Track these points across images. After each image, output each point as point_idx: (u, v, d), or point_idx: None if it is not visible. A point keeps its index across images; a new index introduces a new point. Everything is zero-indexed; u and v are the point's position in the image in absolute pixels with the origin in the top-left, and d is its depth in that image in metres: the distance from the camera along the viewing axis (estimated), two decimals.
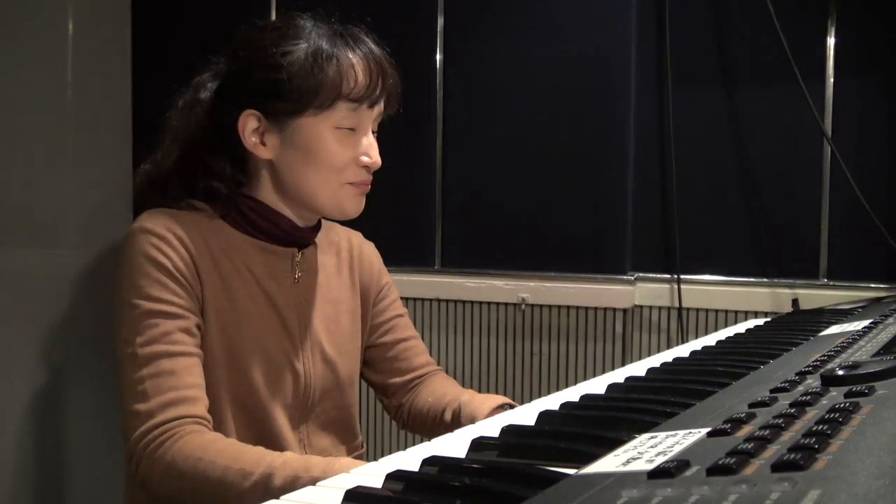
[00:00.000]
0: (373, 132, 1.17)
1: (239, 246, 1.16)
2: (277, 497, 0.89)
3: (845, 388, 0.61)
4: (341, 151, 1.13)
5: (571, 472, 0.53)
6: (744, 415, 0.58)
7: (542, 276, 2.23)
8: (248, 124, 1.13)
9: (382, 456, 0.73)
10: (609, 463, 0.52)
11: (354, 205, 1.17)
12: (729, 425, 0.55)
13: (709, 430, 0.55)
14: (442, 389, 1.29)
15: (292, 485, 0.91)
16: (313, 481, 0.89)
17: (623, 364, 2.11)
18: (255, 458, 0.95)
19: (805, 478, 0.40)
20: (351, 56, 1.12)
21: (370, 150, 1.15)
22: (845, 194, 2.00)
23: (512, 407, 1.22)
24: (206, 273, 1.11)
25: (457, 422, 1.20)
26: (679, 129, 2.14)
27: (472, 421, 1.17)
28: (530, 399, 1.35)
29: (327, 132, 1.12)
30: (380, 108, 1.16)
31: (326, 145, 1.12)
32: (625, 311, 2.19)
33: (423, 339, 1.39)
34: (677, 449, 0.52)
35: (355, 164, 1.14)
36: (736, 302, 2.11)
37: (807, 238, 2.07)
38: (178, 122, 1.19)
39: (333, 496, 0.60)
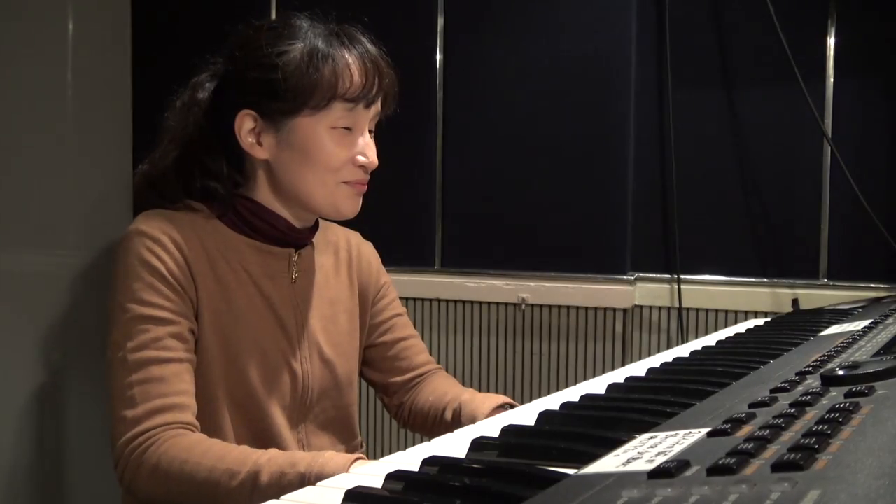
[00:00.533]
0: (370, 132, 1.17)
1: (236, 246, 1.15)
2: (265, 493, 0.90)
3: (845, 388, 0.61)
4: (337, 151, 1.12)
5: (571, 472, 0.53)
6: (744, 415, 0.58)
7: (542, 276, 2.23)
8: (245, 124, 1.13)
9: (382, 456, 0.73)
10: (609, 463, 0.52)
11: (351, 205, 1.17)
12: (729, 425, 0.55)
13: (709, 430, 0.55)
14: (443, 388, 1.29)
15: (279, 480, 0.91)
16: (299, 476, 0.90)
17: (623, 364, 2.11)
18: (240, 457, 0.95)
19: (805, 478, 0.40)
20: (347, 56, 1.12)
21: (367, 150, 1.15)
22: (845, 194, 2.00)
23: (512, 406, 1.22)
24: (201, 275, 1.10)
25: (457, 421, 1.20)
26: (679, 129, 2.14)
27: (473, 420, 1.17)
28: (530, 399, 1.35)
29: (323, 132, 1.12)
30: (376, 107, 1.16)
31: (323, 145, 1.12)
32: (625, 311, 2.19)
33: (423, 339, 1.39)
34: (677, 449, 0.52)
35: (352, 164, 1.14)
36: (736, 302, 2.11)
37: (807, 238, 2.07)
38: (175, 123, 1.19)
39: (333, 496, 0.60)
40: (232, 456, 0.96)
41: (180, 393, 1.04)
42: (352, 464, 0.90)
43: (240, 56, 1.14)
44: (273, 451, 0.96)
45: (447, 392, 1.27)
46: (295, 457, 0.94)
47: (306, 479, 0.90)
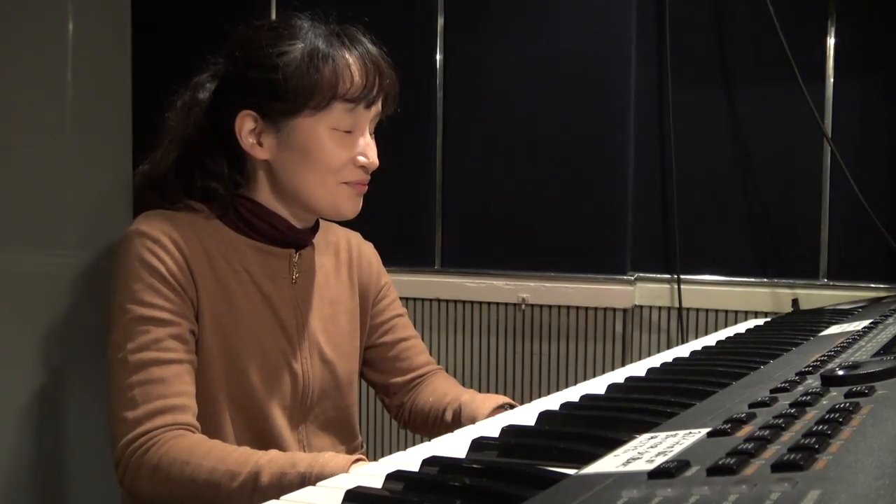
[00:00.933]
0: (371, 132, 1.17)
1: (236, 247, 1.15)
2: (265, 494, 0.90)
3: (845, 388, 0.61)
4: (338, 152, 1.12)
5: (571, 472, 0.53)
6: (744, 415, 0.58)
7: (542, 276, 2.23)
8: (245, 125, 1.13)
9: (382, 456, 0.73)
10: (609, 463, 0.52)
11: (351, 205, 1.17)
12: (729, 425, 0.55)
13: (709, 430, 0.55)
14: (443, 389, 1.29)
15: (279, 481, 0.91)
16: (300, 476, 0.91)
17: (623, 364, 2.11)
18: (241, 459, 0.95)
19: (805, 478, 0.40)
20: (347, 56, 1.12)
21: (367, 151, 1.14)
22: (845, 194, 2.00)
23: (512, 407, 1.22)
24: (201, 276, 1.10)
25: (457, 422, 1.20)
26: (679, 129, 2.14)
27: (473, 421, 1.17)
28: (530, 399, 1.35)
29: (324, 132, 1.11)
30: (377, 108, 1.16)
31: (323, 146, 1.12)
32: (625, 311, 2.19)
33: (423, 339, 1.39)
34: (677, 449, 0.52)
35: (352, 165, 1.13)
36: (736, 302, 2.11)
37: (807, 238, 2.07)
38: (176, 123, 1.18)
39: (333, 496, 0.60)
40: (233, 457, 0.96)
41: (181, 394, 1.04)
42: (352, 465, 0.90)
43: (240, 56, 1.14)
44: (273, 452, 0.97)
45: (447, 393, 1.27)
46: (295, 457, 0.94)
47: (306, 480, 0.90)
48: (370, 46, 1.15)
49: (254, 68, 1.11)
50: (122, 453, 1.01)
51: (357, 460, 0.91)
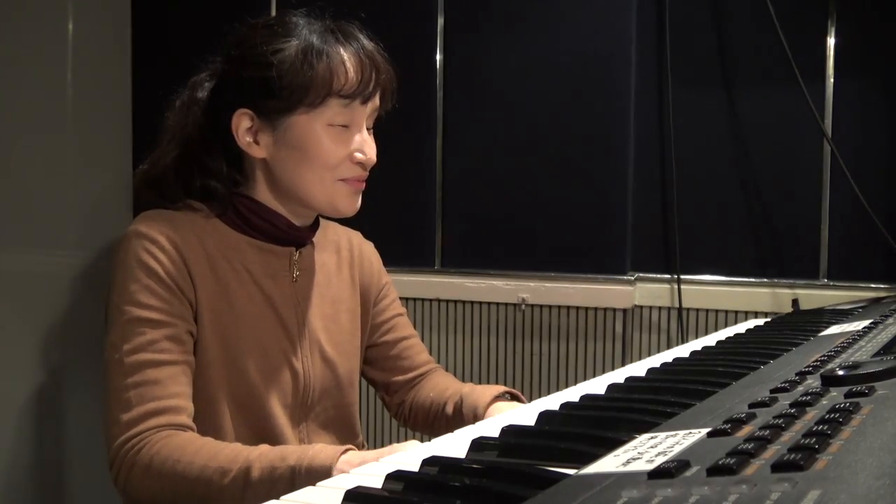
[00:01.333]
0: (369, 129, 1.17)
1: (236, 246, 1.15)
2: (256, 489, 0.91)
3: (845, 389, 0.61)
4: (335, 149, 1.12)
5: (571, 472, 0.53)
6: (744, 415, 0.58)
7: (542, 276, 2.23)
8: (242, 123, 1.13)
9: None
10: (609, 463, 0.52)
11: (349, 203, 1.16)
12: (729, 425, 0.55)
13: (709, 430, 0.55)
14: (443, 384, 1.29)
15: (270, 475, 0.92)
16: (289, 470, 0.91)
17: (623, 364, 2.11)
18: (231, 455, 0.96)
19: (805, 478, 0.40)
20: (342, 52, 1.11)
21: (364, 147, 1.14)
22: (845, 194, 2.00)
23: (513, 395, 1.23)
24: (200, 276, 1.10)
25: (458, 413, 1.21)
26: (679, 129, 2.14)
27: (474, 411, 1.18)
28: (530, 399, 1.35)
29: (320, 129, 1.11)
30: (374, 103, 1.15)
31: (320, 143, 1.11)
32: (625, 311, 2.19)
33: (423, 339, 1.40)
34: (677, 449, 0.52)
35: (349, 161, 1.13)
36: (736, 302, 2.11)
37: (807, 238, 2.07)
38: (175, 122, 1.19)
39: (333, 496, 0.60)
40: (223, 454, 0.96)
41: (175, 395, 1.04)
42: (341, 455, 0.90)
43: (236, 55, 1.14)
44: (263, 447, 0.97)
45: (448, 387, 1.28)
46: (285, 451, 0.95)
47: (296, 472, 0.91)
48: (365, 42, 1.14)
49: (249, 66, 1.11)
50: (115, 454, 1.01)
51: (346, 451, 0.92)
